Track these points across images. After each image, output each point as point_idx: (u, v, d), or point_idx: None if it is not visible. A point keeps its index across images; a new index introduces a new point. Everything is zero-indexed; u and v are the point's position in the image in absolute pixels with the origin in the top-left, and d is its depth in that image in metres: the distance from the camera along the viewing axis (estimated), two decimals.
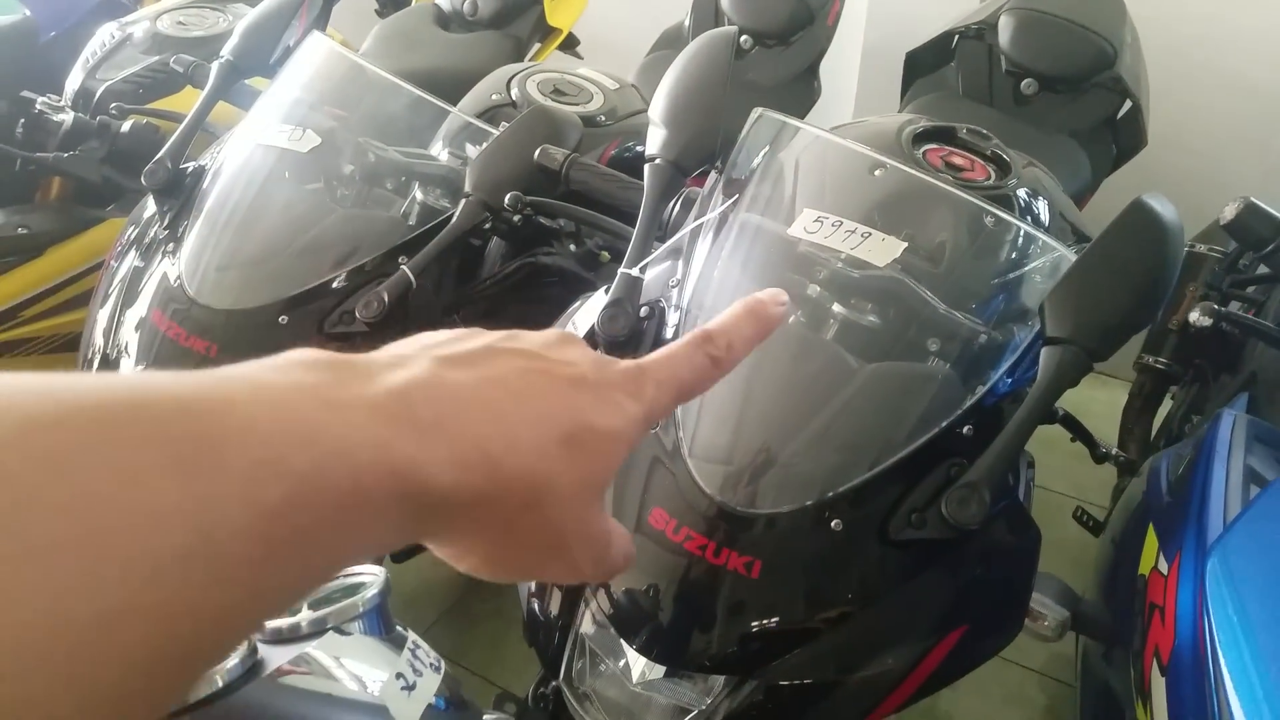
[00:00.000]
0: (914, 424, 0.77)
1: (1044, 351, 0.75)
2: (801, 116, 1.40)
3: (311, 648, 0.53)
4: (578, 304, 0.97)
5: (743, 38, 1.88)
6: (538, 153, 1.02)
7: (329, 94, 1.18)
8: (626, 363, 0.30)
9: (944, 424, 0.77)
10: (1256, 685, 0.60)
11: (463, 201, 1.03)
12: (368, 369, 0.24)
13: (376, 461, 0.22)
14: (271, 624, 0.53)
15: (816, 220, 0.83)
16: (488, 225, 1.05)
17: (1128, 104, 1.64)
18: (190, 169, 1.16)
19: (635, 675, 0.75)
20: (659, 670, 0.75)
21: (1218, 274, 1.24)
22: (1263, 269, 1.24)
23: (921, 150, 1.01)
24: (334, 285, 1.03)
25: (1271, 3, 1.83)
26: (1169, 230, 0.76)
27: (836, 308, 0.87)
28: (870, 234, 0.82)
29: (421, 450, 0.23)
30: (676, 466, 0.76)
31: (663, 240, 0.92)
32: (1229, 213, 1.01)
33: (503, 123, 1.16)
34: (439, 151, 1.22)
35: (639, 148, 1.38)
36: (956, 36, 1.73)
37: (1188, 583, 0.72)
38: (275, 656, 0.50)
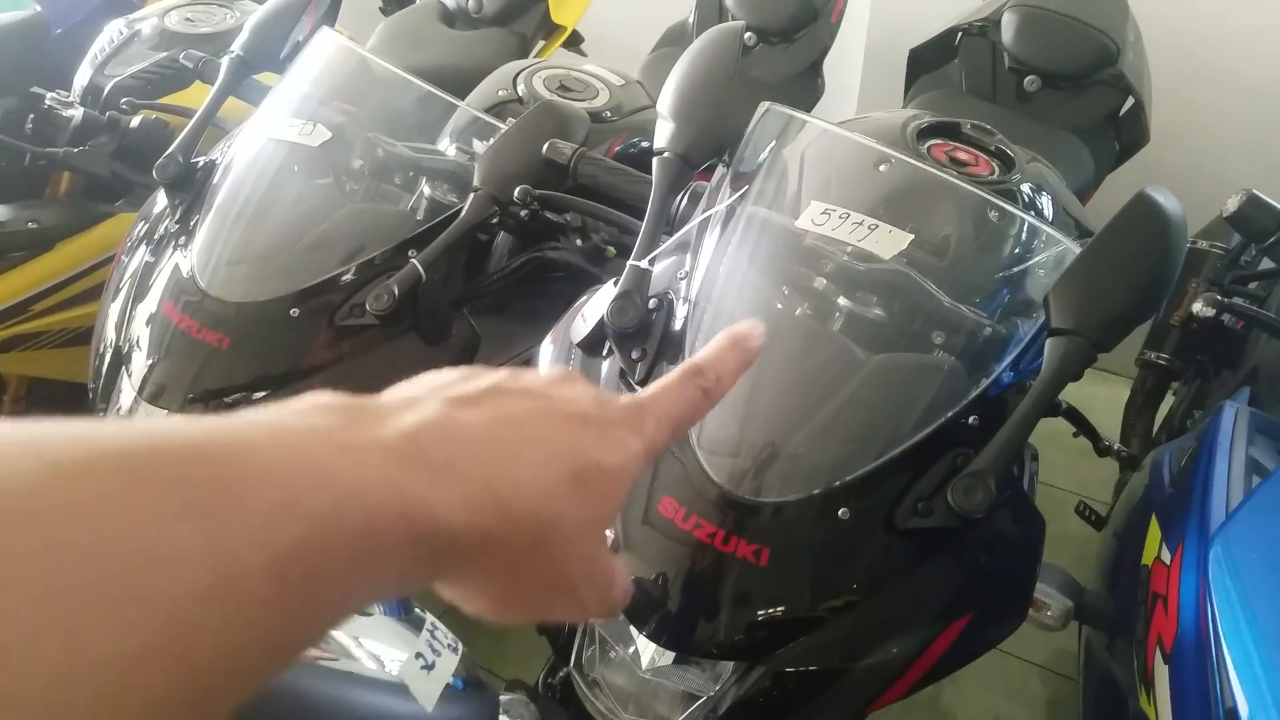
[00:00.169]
0: (920, 414, 0.78)
1: (1049, 342, 0.76)
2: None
3: None
4: (585, 297, 0.98)
5: (747, 34, 1.89)
6: (546, 147, 1.03)
7: (338, 89, 1.19)
8: (626, 399, 0.31)
9: (949, 414, 0.77)
10: (1258, 670, 0.61)
11: (472, 195, 1.03)
12: (380, 411, 0.25)
13: (388, 502, 0.22)
14: None
15: (824, 212, 0.84)
16: (495, 220, 1.06)
17: (1130, 101, 1.65)
18: (201, 163, 1.16)
19: (645, 662, 0.76)
20: (668, 657, 0.76)
21: (1219, 270, 1.24)
22: (1265, 263, 1.25)
23: (926, 145, 1.02)
24: (344, 279, 1.04)
25: (1273, 2, 1.84)
26: (1172, 222, 0.77)
27: (843, 300, 0.88)
28: (877, 226, 0.83)
29: (432, 491, 0.24)
30: (686, 456, 0.76)
31: (670, 233, 0.93)
32: (1232, 205, 1.02)
33: (510, 118, 1.17)
34: (446, 147, 1.22)
35: (644, 143, 1.39)
36: (960, 34, 1.74)
37: (1190, 572, 0.72)
38: None
